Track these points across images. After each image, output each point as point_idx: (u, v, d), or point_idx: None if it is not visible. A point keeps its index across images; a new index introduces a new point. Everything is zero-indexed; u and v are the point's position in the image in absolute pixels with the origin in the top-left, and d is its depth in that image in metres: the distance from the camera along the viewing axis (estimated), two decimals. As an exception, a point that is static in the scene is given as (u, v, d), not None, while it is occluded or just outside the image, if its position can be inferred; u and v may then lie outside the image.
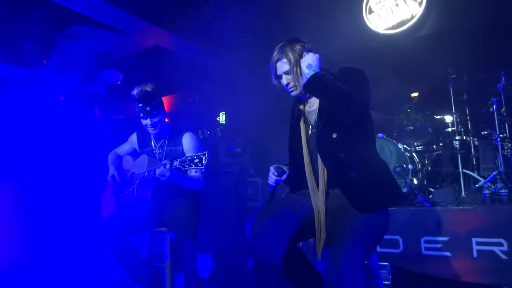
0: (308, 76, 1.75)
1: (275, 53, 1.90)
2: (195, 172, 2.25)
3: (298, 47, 1.86)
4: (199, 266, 2.48)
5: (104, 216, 2.60)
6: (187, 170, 2.07)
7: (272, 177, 1.95)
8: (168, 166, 2.20)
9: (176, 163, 2.12)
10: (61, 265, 3.81)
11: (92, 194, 3.26)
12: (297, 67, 1.84)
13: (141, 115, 2.50)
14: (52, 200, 4.48)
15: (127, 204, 2.43)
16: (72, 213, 4.25)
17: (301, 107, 1.99)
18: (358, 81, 1.76)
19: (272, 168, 1.96)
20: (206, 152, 2.02)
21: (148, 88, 2.45)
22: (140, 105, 2.48)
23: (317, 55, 1.80)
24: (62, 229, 4.22)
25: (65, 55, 5.08)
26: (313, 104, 1.93)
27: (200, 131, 5.22)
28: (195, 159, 2.03)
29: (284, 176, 1.96)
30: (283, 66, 1.88)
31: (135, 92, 2.46)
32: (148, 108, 2.47)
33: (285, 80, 1.89)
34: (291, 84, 1.88)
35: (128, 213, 2.45)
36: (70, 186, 4.66)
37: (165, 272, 2.40)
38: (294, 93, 1.92)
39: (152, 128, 2.55)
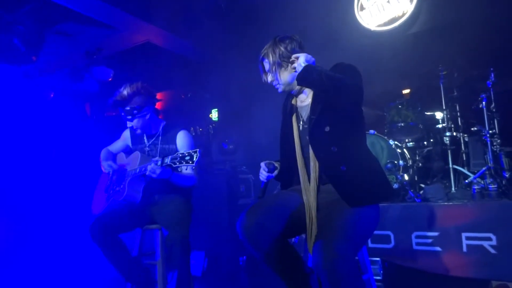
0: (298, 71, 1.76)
1: (261, 52, 1.96)
2: (187, 169, 2.25)
3: (282, 48, 1.87)
4: (191, 263, 2.47)
5: (94, 212, 2.58)
6: (178, 167, 2.06)
7: (263, 173, 1.96)
8: (159, 163, 2.19)
9: (167, 160, 2.12)
10: (51, 264, 3.78)
11: (83, 191, 3.24)
12: (278, 67, 1.88)
13: (126, 120, 2.56)
14: (43, 198, 4.43)
15: (118, 201, 2.42)
16: (63, 211, 4.22)
17: (293, 102, 2.00)
18: (350, 70, 1.79)
19: (263, 164, 1.96)
20: (198, 149, 2.01)
21: (125, 92, 2.45)
22: (119, 109, 2.53)
23: (305, 54, 1.78)
24: (53, 226, 4.18)
25: (55, 52, 5.02)
26: (305, 99, 1.94)
27: (192, 128, 5.21)
28: (186, 156, 2.02)
29: (275, 172, 1.96)
30: (266, 65, 1.94)
31: (111, 101, 2.48)
32: (123, 113, 2.52)
33: (269, 77, 1.95)
34: (275, 82, 1.93)
35: (118, 210, 2.43)
36: (61, 184, 4.62)
37: (156, 269, 2.39)
38: (279, 90, 1.96)
39: (136, 129, 2.56)
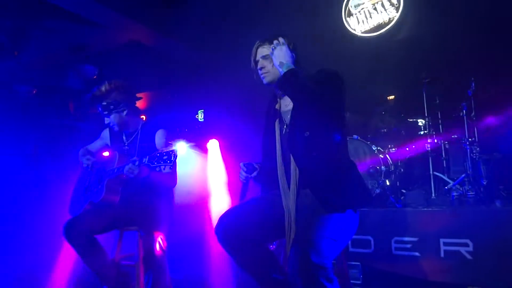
0: (282, 73, 1.76)
1: (259, 41, 1.96)
2: (165, 169, 2.25)
3: (281, 39, 1.89)
4: (172, 266, 2.45)
5: (71, 213, 2.53)
6: (156, 167, 2.04)
7: (242, 174, 1.94)
8: (137, 162, 2.17)
9: (145, 160, 2.10)
10: (23, 265, 3.68)
11: (61, 191, 3.18)
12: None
13: (103, 116, 2.56)
14: (20, 196, 4.33)
15: (96, 202, 2.38)
16: (40, 210, 4.13)
17: (277, 106, 2.00)
18: (332, 79, 1.80)
19: (242, 165, 1.95)
20: (175, 149, 2.00)
21: (103, 88, 2.46)
22: (97, 105, 2.54)
23: (284, 49, 1.80)
24: (29, 226, 4.08)
25: (39, 48, 4.93)
26: (289, 103, 1.94)
27: (178, 129, 5.17)
28: (164, 155, 2.01)
29: (255, 174, 1.94)
30: (263, 50, 1.92)
31: (89, 96, 2.48)
32: (100, 109, 2.52)
33: (260, 64, 1.92)
34: (265, 70, 1.90)
35: (96, 211, 2.39)
36: (40, 182, 4.52)
37: (134, 272, 2.36)
38: (265, 80, 1.92)
39: (114, 126, 2.55)
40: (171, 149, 2.02)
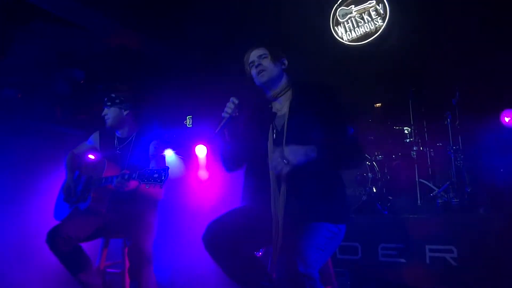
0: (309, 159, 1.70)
1: (253, 45, 1.98)
2: (154, 187, 2.24)
3: (278, 47, 1.95)
4: (158, 274, 2.42)
5: (56, 218, 2.49)
6: (145, 183, 2.03)
7: (230, 106, 1.85)
8: (126, 177, 2.14)
9: (135, 175, 2.08)
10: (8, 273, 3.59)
11: (46, 196, 3.12)
12: (274, 56, 1.92)
13: (103, 106, 2.58)
14: (4, 201, 4.23)
15: (82, 209, 2.34)
16: (24, 216, 4.04)
17: (274, 109, 1.97)
18: (340, 114, 1.83)
19: (233, 98, 1.87)
20: (167, 168, 2.00)
21: (117, 84, 2.51)
22: (103, 97, 2.57)
23: (294, 148, 1.69)
24: (12, 231, 3.99)
25: (25, 51, 4.85)
26: (281, 108, 1.95)
27: (169, 139, 5.13)
28: (154, 173, 2.00)
29: (239, 115, 1.87)
30: (258, 51, 1.94)
31: (102, 85, 2.51)
32: (105, 99, 2.56)
33: (257, 62, 1.92)
34: (262, 67, 1.91)
35: (81, 219, 2.35)
36: (25, 187, 4.43)
37: (120, 280, 2.33)
38: (262, 79, 1.92)
39: (106, 119, 2.57)
40: (162, 167, 2.01)
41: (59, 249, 2.21)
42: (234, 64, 1.99)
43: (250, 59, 1.97)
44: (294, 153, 1.64)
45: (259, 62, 1.92)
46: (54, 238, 2.22)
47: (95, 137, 2.71)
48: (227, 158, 1.99)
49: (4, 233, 3.91)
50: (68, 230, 2.26)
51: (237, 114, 1.86)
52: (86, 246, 2.33)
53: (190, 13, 4.55)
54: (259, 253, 2.29)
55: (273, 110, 1.97)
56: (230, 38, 4.42)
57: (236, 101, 1.87)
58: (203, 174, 4.38)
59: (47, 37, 4.69)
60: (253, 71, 1.94)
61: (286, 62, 1.99)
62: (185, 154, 4.32)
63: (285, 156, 1.62)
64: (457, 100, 3.67)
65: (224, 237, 1.70)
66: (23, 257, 3.62)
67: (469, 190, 3.45)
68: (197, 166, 4.44)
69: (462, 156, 3.65)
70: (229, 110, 1.86)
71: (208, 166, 4.45)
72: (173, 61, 5.39)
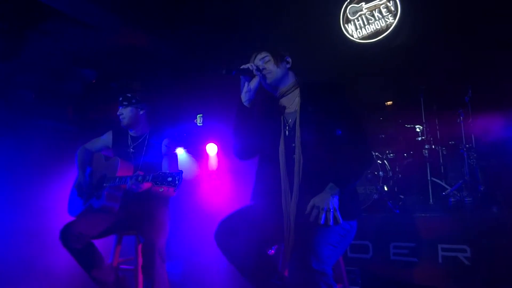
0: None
1: (255, 52, 2.00)
2: (168, 190, 2.25)
3: (279, 47, 1.96)
4: (169, 271, 2.44)
5: (70, 213, 2.53)
6: (158, 186, 2.05)
7: (252, 65, 1.89)
8: (140, 179, 2.17)
9: (149, 178, 2.10)
10: (18, 270, 3.65)
11: (59, 195, 3.17)
12: (276, 58, 1.93)
13: (119, 106, 2.61)
14: (19, 200, 4.31)
15: (95, 208, 2.37)
16: (39, 213, 4.11)
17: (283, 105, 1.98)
18: (358, 124, 1.85)
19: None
20: (181, 172, 2.01)
21: (133, 84, 2.52)
22: (118, 95, 2.60)
23: (319, 198, 1.71)
24: (26, 229, 4.06)
25: (37, 51, 4.92)
26: (291, 105, 1.95)
27: (182, 137, 5.16)
28: (168, 177, 2.02)
29: (255, 82, 1.90)
30: (261, 55, 1.96)
31: (116, 84, 2.52)
32: (120, 98, 2.58)
33: (261, 66, 1.93)
34: (267, 70, 1.92)
35: (94, 216, 2.38)
36: (39, 185, 4.50)
37: (133, 277, 2.35)
38: (268, 80, 1.93)
39: (122, 119, 2.59)
40: (176, 171, 2.03)
41: (71, 246, 2.25)
42: (245, 63, 1.99)
43: (254, 63, 1.98)
44: (322, 201, 1.68)
45: (263, 66, 1.93)
46: (66, 235, 2.25)
47: (108, 135, 2.74)
48: (240, 141, 1.99)
49: (21, 229, 3.99)
50: (80, 227, 2.29)
51: (253, 70, 1.89)
52: (99, 242, 2.36)
53: (200, 13, 4.57)
54: (271, 251, 2.29)
55: (283, 105, 1.98)
56: (241, 37, 4.42)
57: (255, 67, 1.90)
58: (213, 171, 4.40)
59: (59, 37, 4.75)
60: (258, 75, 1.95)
61: (290, 60, 1.99)
62: (196, 152, 4.35)
63: (317, 206, 1.68)
64: (469, 97, 3.62)
65: (236, 235, 1.71)
66: (40, 253, 3.69)
67: (482, 189, 3.41)
68: (207, 164, 4.46)
69: (475, 155, 3.60)
70: (247, 66, 1.90)
71: (219, 164, 4.47)
72: (183, 60, 5.41)
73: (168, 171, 2.07)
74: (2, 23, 4.00)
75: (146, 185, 2.24)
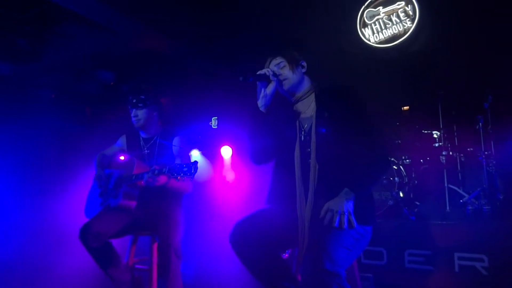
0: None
1: (269, 57, 2.00)
2: (184, 180, 2.28)
3: (294, 52, 1.95)
4: (183, 271, 2.46)
5: (87, 215, 2.58)
6: (175, 177, 2.08)
7: (267, 70, 1.89)
8: (156, 172, 2.20)
9: (165, 170, 2.13)
10: (39, 268, 3.73)
11: (78, 193, 3.24)
12: (292, 63, 1.92)
13: (129, 107, 2.63)
14: (38, 199, 4.41)
15: (112, 206, 2.42)
16: (57, 213, 4.20)
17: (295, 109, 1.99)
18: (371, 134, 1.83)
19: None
20: (196, 162, 2.04)
21: (143, 86, 2.56)
22: (130, 97, 2.62)
23: (337, 201, 1.70)
24: (45, 228, 4.15)
25: (58, 53, 5.05)
26: (307, 110, 1.95)
27: (195, 137, 5.21)
28: (184, 167, 2.04)
29: (271, 87, 1.90)
30: (276, 61, 1.95)
31: (127, 86, 2.57)
32: (134, 100, 2.61)
33: (277, 72, 1.93)
34: (283, 76, 1.92)
35: (112, 216, 2.43)
36: (57, 185, 4.60)
37: (148, 276, 2.39)
38: (285, 86, 1.93)
39: (137, 121, 2.62)
40: (192, 160, 2.06)
41: (89, 245, 2.30)
42: (260, 66, 2.00)
43: (269, 67, 1.97)
44: (337, 204, 1.68)
45: (279, 72, 1.93)
46: (85, 234, 2.31)
47: (122, 140, 2.80)
48: (256, 146, 1.99)
49: (37, 230, 4.08)
50: (98, 226, 2.34)
51: (270, 76, 1.89)
52: (115, 242, 2.41)
53: (215, 16, 4.61)
54: (285, 254, 2.29)
55: (298, 110, 1.98)
56: (257, 40, 4.44)
57: (272, 72, 1.90)
58: (228, 174, 4.42)
59: (79, 39, 4.86)
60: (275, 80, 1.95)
61: (305, 64, 1.98)
62: (211, 155, 4.38)
63: (332, 209, 1.67)
64: (489, 103, 3.55)
65: (251, 238, 1.72)
66: (61, 252, 3.77)
67: (501, 197, 3.33)
68: (222, 167, 4.48)
69: (494, 162, 3.52)
70: (263, 72, 1.90)
71: (233, 167, 4.49)
72: (198, 63, 5.47)
73: (183, 163, 2.10)
74: (27, 26, 4.13)
75: (163, 178, 2.28)
